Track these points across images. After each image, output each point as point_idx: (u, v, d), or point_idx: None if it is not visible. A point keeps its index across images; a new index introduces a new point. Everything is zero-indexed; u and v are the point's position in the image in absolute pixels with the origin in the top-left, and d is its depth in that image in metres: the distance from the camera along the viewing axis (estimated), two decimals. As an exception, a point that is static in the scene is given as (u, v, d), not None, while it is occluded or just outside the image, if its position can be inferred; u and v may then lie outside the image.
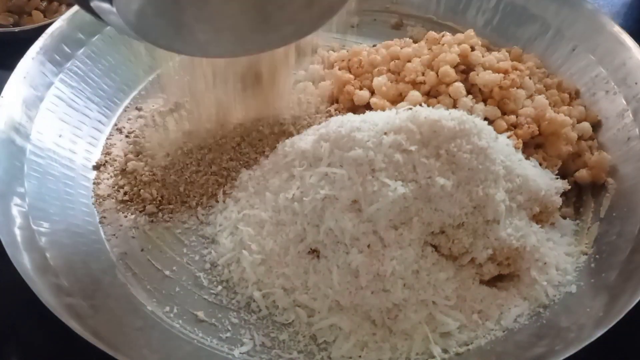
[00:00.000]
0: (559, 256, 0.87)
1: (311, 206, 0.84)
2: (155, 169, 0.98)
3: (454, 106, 0.97)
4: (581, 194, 0.96)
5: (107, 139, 1.04)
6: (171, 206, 0.96)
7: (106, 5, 0.67)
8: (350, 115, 0.98)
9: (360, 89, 1.05)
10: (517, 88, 0.98)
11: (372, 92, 1.04)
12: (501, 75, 0.98)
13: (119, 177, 0.99)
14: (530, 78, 1.01)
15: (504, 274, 0.84)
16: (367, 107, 1.03)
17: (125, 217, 0.95)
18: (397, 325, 0.80)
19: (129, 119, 1.07)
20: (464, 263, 0.84)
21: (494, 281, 0.85)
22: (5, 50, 1.04)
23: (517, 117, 0.97)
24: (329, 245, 0.83)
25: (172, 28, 0.71)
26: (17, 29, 1.18)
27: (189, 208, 0.95)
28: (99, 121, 1.05)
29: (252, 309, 0.84)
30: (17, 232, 0.83)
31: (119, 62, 1.10)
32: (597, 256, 0.87)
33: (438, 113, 0.86)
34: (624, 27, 1.05)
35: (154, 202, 0.96)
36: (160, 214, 0.95)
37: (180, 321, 0.83)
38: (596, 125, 1.01)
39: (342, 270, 0.82)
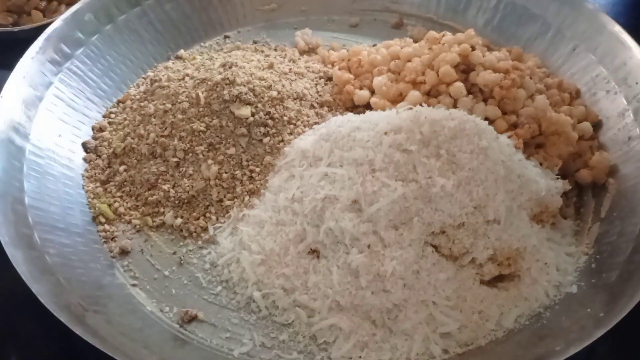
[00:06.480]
0: (559, 256, 0.87)
1: (311, 206, 0.84)
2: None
3: (455, 106, 0.97)
4: (582, 194, 0.96)
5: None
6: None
7: None
8: (350, 115, 0.99)
9: (360, 88, 1.05)
10: (518, 88, 0.98)
11: (372, 92, 1.04)
12: (502, 75, 0.98)
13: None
14: (530, 78, 1.01)
15: (504, 274, 0.84)
16: (367, 107, 1.03)
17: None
18: (398, 325, 0.80)
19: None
20: (464, 263, 0.83)
21: (495, 281, 0.85)
22: (5, 50, 1.04)
23: (517, 117, 0.97)
24: (329, 245, 0.83)
25: None
26: (16, 29, 1.18)
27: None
28: (98, 121, 1.04)
29: (252, 309, 0.84)
30: (17, 232, 0.83)
31: (118, 62, 1.10)
32: (597, 256, 0.87)
33: (438, 113, 0.86)
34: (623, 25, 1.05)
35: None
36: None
37: (180, 321, 0.83)
38: (597, 125, 1.01)
39: (342, 271, 0.82)
